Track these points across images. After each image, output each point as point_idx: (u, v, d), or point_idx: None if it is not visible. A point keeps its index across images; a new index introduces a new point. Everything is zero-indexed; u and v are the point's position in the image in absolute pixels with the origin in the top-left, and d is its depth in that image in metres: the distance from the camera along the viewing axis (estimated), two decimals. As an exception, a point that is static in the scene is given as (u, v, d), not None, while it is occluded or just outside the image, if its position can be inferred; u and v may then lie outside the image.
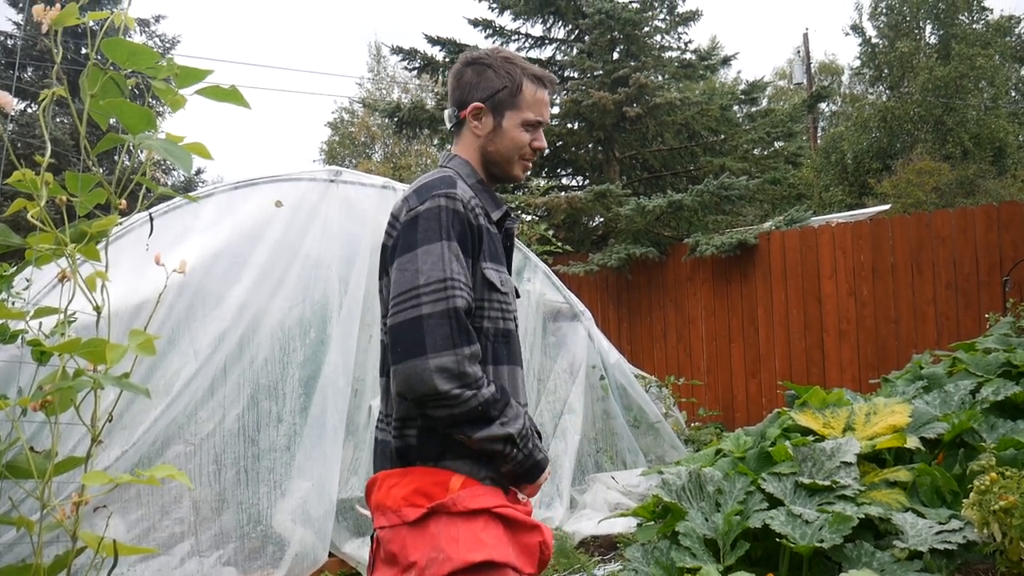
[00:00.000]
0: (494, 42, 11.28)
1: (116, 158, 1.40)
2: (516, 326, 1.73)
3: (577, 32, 11.05)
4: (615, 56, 10.30)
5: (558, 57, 11.26)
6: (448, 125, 1.80)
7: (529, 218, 9.56)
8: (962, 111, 18.79)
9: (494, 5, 11.00)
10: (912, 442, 3.56)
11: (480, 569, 1.49)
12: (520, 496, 1.67)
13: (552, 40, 11.29)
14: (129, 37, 1.33)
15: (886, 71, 22.03)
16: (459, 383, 1.48)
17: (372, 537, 1.66)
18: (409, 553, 1.51)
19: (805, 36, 23.74)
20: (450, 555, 1.48)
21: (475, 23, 11.08)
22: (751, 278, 7.65)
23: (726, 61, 11.98)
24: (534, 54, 11.29)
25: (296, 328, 4.24)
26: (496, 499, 1.56)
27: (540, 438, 1.66)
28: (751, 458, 3.91)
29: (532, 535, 1.61)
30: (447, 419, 1.51)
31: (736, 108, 10.97)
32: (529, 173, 1.83)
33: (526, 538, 1.60)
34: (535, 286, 5.61)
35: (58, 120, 14.37)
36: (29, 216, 1.33)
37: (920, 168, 16.60)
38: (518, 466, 1.58)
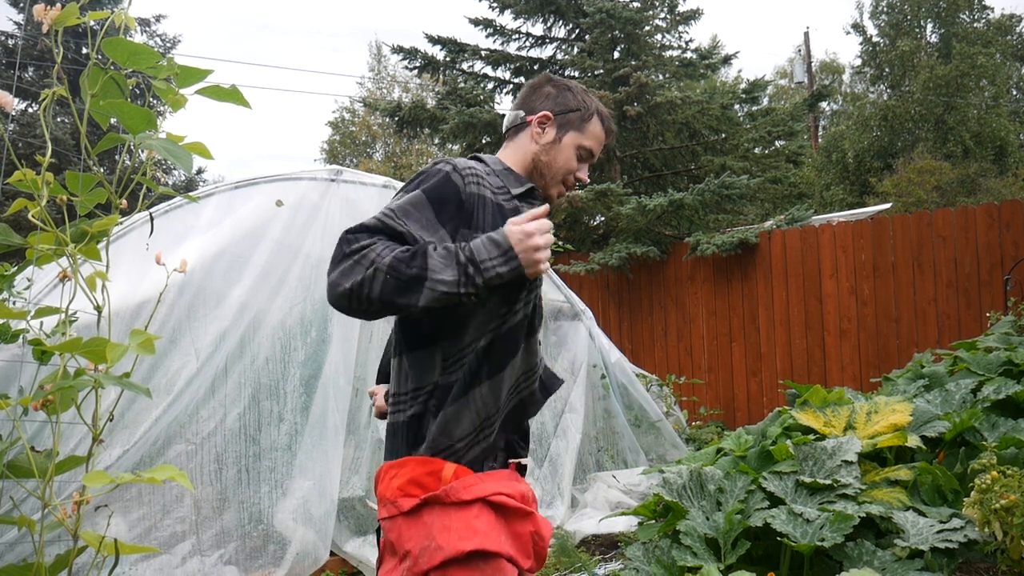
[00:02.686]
0: (495, 41, 11.29)
1: (117, 157, 1.40)
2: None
3: (578, 31, 11.05)
4: (616, 55, 10.30)
5: (559, 56, 11.27)
6: (506, 127, 1.84)
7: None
8: (963, 110, 18.78)
9: (495, 4, 11.00)
10: (913, 441, 3.56)
11: (472, 558, 1.50)
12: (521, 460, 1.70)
13: (553, 39, 11.30)
14: (130, 37, 1.33)
15: (887, 70, 22.01)
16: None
17: (377, 529, 1.69)
18: (404, 542, 1.53)
19: (806, 35, 23.76)
20: (441, 544, 1.49)
21: (476, 22, 11.08)
22: (752, 277, 7.65)
23: (727, 60, 11.97)
24: (535, 53, 11.30)
25: (297, 327, 4.24)
26: (489, 487, 1.57)
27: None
28: (752, 457, 3.91)
29: (524, 524, 1.61)
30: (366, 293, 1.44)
31: (737, 107, 10.96)
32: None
33: (518, 527, 1.60)
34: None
35: (59, 120, 14.38)
36: (30, 216, 1.33)
37: (921, 167, 16.58)
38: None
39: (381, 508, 1.61)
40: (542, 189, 1.80)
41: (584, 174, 1.83)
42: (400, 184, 4.74)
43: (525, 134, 1.79)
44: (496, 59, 11.11)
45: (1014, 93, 23.72)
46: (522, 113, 1.81)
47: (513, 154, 1.80)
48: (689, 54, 11.30)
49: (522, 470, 1.73)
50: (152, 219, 3.75)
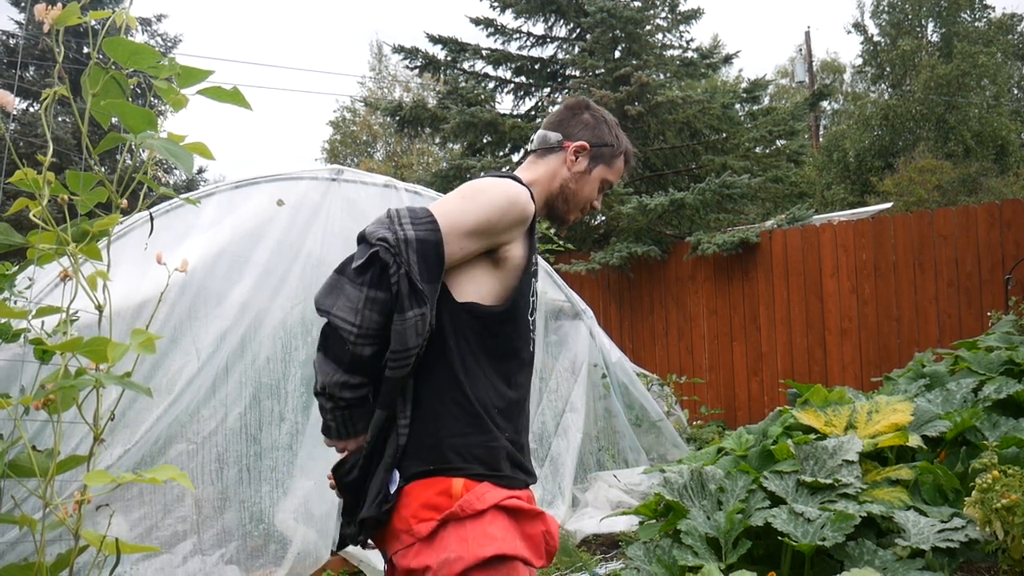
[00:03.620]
0: (495, 41, 11.28)
1: (118, 157, 1.40)
2: None
3: (578, 31, 11.05)
4: (616, 54, 10.29)
5: (560, 56, 11.26)
6: (536, 146, 1.84)
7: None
8: (964, 109, 18.77)
9: (496, 4, 10.99)
10: (914, 440, 3.56)
11: (491, 564, 1.51)
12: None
13: (554, 39, 11.29)
14: (131, 36, 1.33)
15: (888, 69, 22.01)
16: None
17: (385, 565, 1.66)
18: (423, 559, 1.52)
19: (807, 34, 23.74)
20: (461, 554, 1.49)
21: (476, 22, 11.08)
22: (753, 276, 7.64)
23: (728, 59, 11.97)
24: (536, 53, 11.30)
25: (298, 327, 4.24)
26: (500, 492, 1.57)
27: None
28: (753, 456, 3.91)
29: (536, 525, 1.62)
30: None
31: (738, 106, 10.95)
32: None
33: (530, 528, 1.61)
34: (537, 284, 5.60)
35: (60, 119, 14.38)
36: (31, 215, 1.33)
37: (922, 166, 16.58)
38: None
39: (394, 542, 1.59)
40: (562, 213, 1.84)
41: (599, 203, 1.89)
42: (401, 184, 4.75)
43: (557, 158, 1.82)
44: (497, 58, 11.11)
45: (1015, 92, 23.71)
46: (559, 137, 1.82)
47: (541, 175, 1.81)
48: (690, 53, 11.29)
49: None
50: (152, 219, 3.75)
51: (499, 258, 1.63)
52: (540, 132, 1.85)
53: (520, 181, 1.71)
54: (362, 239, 1.52)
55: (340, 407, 1.55)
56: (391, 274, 1.47)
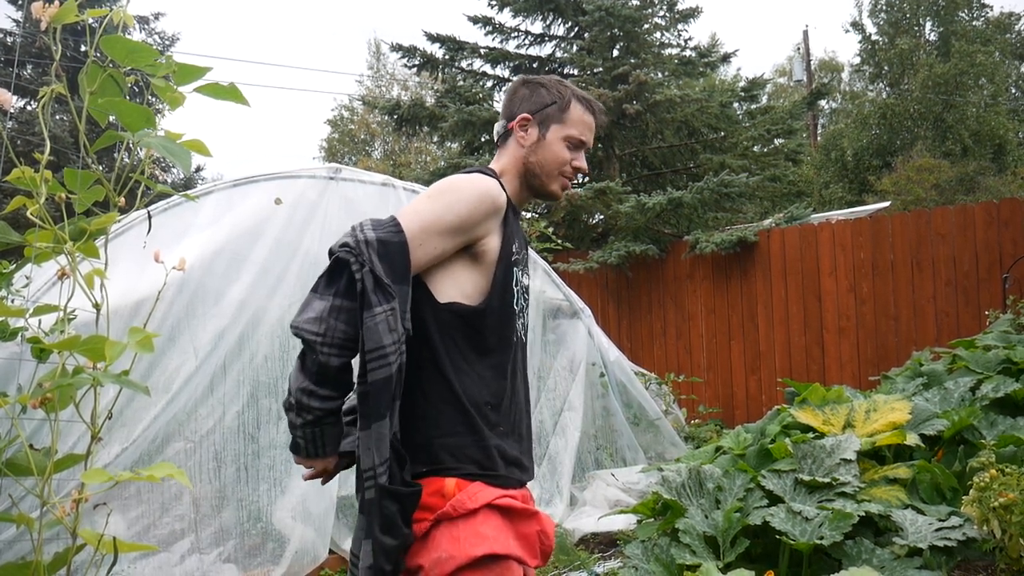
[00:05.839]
0: (494, 39, 11.27)
1: (115, 155, 1.40)
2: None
3: (577, 29, 11.05)
4: (615, 53, 10.30)
5: (558, 54, 11.26)
6: (496, 138, 1.86)
7: (529, 215, 9.56)
8: (962, 108, 18.77)
9: (494, 2, 10.99)
10: (912, 439, 3.57)
11: (483, 563, 1.51)
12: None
13: (552, 37, 11.29)
14: (128, 34, 1.33)
15: (886, 68, 22.03)
16: None
17: None
18: (416, 559, 1.54)
19: (805, 33, 23.74)
20: (453, 553, 1.50)
21: (475, 20, 11.07)
22: (751, 275, 7.65)
23: (726, 58, 11.98)
24: (534, 51, 11.30)
25: (296, 325, 4.23)
26: (492, 492, 1.58)
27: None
28: (751, 455, 3.91)
29: (530, 524, 1.63)
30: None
31: (736, 105, 10.97)
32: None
33: (524, 528, 1.61)
34: (535, 283, 5.60)
35: (57, 117, 14.36)
36: (28, 213, 1.33)
37: (920, 165, 16.58)
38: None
39: None
40: (541, 187, 1.80)
41: (581, 163, 1.82)
42: (399, 183, 4.75)
43: (512, 140, 1.81)
44: (495, 57, 11.11)
45: (1013, 91, 23.73)
46: (504, 122, 1.83)
47: (506, 162, 1.81)
48: (688, 52, 11.30)
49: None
50: (151, 217, 3.74)
51: (477, 252, 1.64)
52: (495, 125, 1.87)
53: (492, 172, 1.74)
54: (330, 254, 1.53)
55: (308, 422, 1.55)
56: (354, 272, 1.47)
